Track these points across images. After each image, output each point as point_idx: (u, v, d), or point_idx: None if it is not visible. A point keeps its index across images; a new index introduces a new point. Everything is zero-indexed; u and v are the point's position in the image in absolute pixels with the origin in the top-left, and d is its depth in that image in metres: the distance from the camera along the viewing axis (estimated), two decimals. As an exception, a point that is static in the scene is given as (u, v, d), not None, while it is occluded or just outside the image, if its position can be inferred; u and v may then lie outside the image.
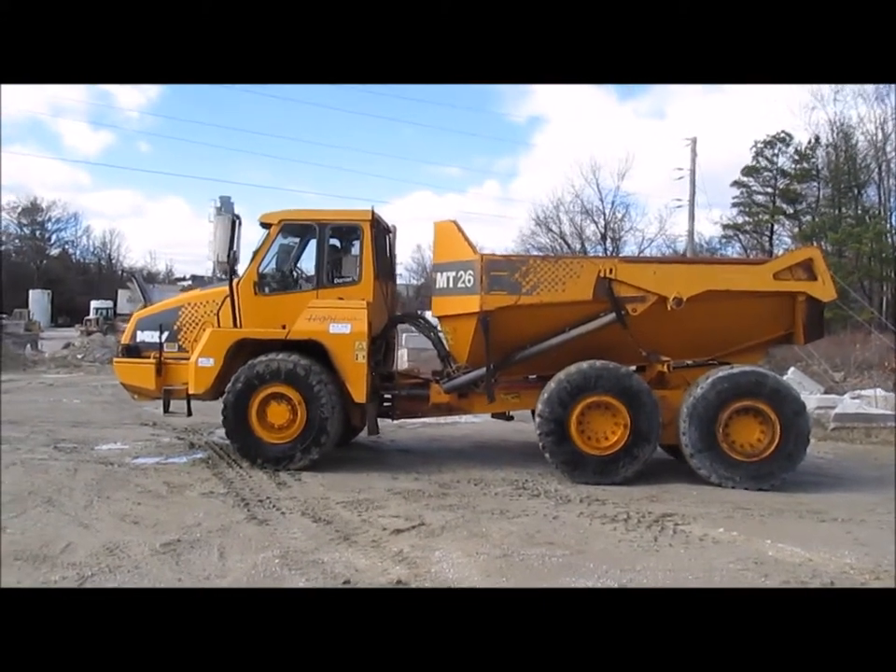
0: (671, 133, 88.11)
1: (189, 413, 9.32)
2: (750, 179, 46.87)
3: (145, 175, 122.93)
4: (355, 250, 9.40)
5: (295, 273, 9.53)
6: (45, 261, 70.05)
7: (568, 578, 5.26)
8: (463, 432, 12.09)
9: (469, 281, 8.75)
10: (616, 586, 5.13)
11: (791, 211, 45.16)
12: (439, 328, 9.80)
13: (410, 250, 62.71)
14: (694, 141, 33.99)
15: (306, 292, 9.13)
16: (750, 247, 46.73)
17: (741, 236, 47.83)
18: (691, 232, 34.83)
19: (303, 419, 8.61)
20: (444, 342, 9.56)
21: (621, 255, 40.52)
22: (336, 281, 9.20)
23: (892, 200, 37.16)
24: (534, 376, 9.40)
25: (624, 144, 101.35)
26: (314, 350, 8.72)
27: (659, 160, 77.45)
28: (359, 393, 8.70)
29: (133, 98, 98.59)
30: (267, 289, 9.19)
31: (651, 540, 6.23)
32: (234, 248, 9.05)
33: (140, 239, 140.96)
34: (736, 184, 47.28)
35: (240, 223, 9.15)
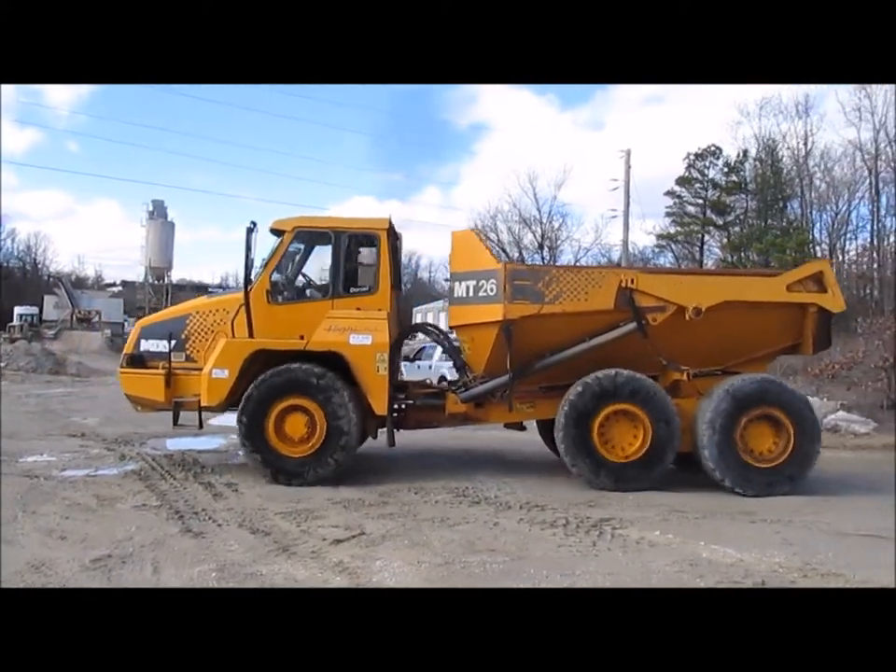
0: (608, 144, 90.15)
1: (201, 426, 8.94)
2: (683, 190, 48.24)
3: (74, 176, 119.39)
4: (363, 258, 9.17)
5: (309, 282, 9.27)
6: (-36, 266, 67.01)
7: (510, 584, 5.27)
8: (401, 441, 11.97)
9: (492, 290, 8.69)
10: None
11: (721, 222, 46.56)
12: (453, 336, 9.68)
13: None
14: (628, 153, 34.82)
15: (321, 301, 8.91)
16: (682, 257, 47.99)
17: (673, 246, 49.13)
18: (625, 242, 35.62)
19: (323, 432, 8.38)
20: (460, 351, 9.46)
21: (559, 263, 41.11)
22: (352, 290, 8.96)
23: (814, 212, 38.84)
24: (547, 385, 9.32)
25: (563, 154, 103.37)
26: (330, 361, 8.49)
27: (596, 170, 79.02)
28: (381, 405, 8.57)
29: (61, 96, 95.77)
30: (280, 298, 8.94)
31: (589, 545, 6.31)
32: (251, 256, 8.63)
33: (68, 243, 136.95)
34: (670, 194, 48.66)
35: (256, 230, 8.69)
